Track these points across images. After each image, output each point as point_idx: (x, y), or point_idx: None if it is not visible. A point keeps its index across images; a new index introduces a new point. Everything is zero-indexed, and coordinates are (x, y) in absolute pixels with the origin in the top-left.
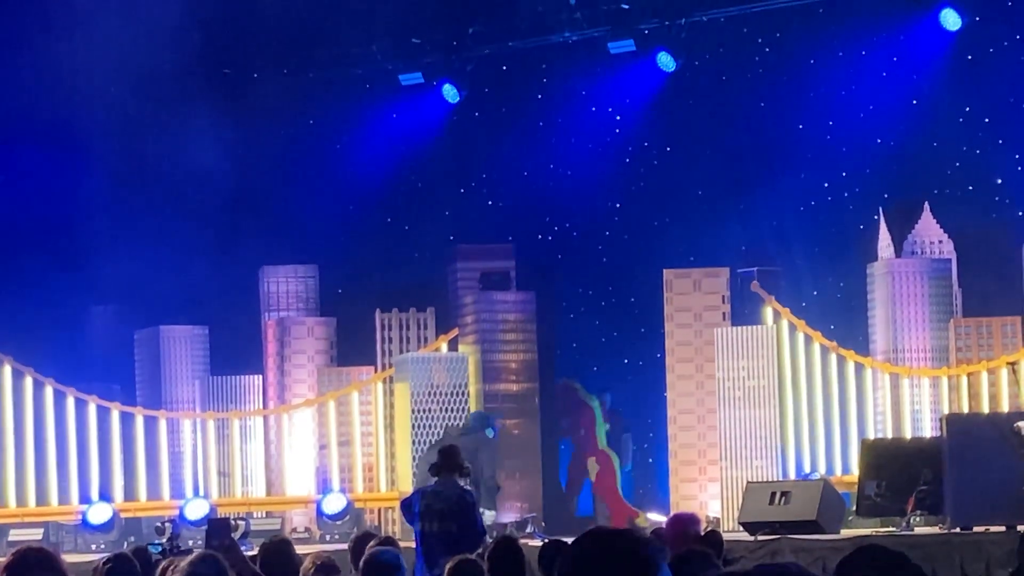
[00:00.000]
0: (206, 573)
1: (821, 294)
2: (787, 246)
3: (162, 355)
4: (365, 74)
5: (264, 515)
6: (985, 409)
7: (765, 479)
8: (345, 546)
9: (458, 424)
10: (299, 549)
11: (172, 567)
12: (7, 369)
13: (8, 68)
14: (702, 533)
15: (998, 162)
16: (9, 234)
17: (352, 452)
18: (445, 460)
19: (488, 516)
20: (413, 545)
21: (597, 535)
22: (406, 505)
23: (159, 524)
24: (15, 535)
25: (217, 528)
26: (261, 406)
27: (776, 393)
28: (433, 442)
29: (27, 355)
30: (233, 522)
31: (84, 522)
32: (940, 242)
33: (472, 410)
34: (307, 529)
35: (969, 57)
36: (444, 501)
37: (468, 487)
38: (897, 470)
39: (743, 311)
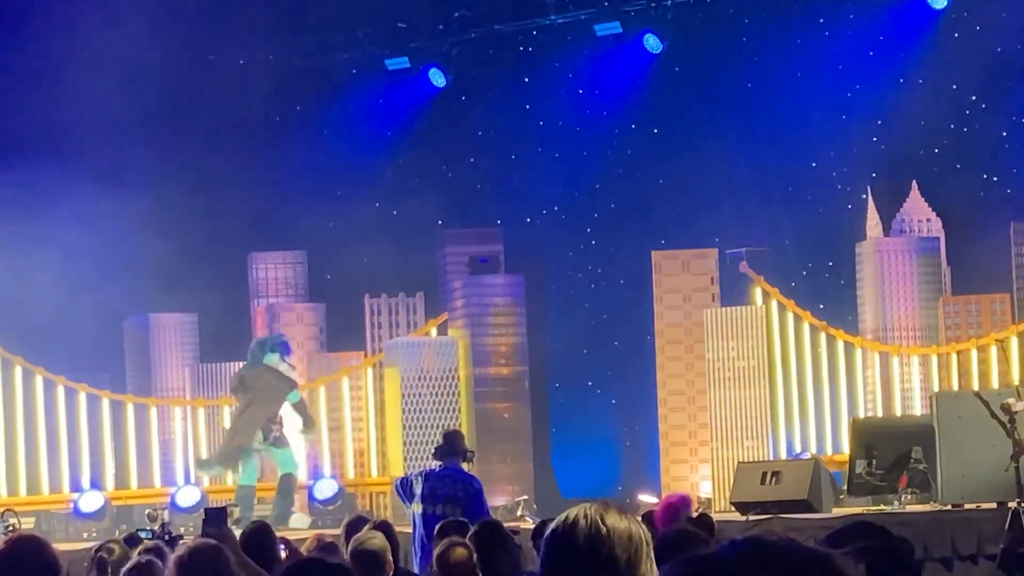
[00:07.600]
0: (204, 558)
1: (810, 274)
2: (775, 226)
3: (151, 343)
4: (351, 59)
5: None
6: (975, 386)
7: (756, 459)
8: (337, 531)
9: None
10: (292, 535)
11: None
12: None
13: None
14: (693, 515)
15: (986, 140)
16: None
17: (342, 437)
18: (449, 445)
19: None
20: (408, 529)
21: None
22: (406, 483)
23: (152, 511)
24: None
25: (213, 516)
26: None
27: (766, 373)
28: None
29: (16, 344)
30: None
31: (75, 510)
32: (928, 220)
33: (461, 394)
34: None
35: (956, 35)
36: (451, 486)
37: (473, 472)
38: (887, 448)
39: (732, 292)
